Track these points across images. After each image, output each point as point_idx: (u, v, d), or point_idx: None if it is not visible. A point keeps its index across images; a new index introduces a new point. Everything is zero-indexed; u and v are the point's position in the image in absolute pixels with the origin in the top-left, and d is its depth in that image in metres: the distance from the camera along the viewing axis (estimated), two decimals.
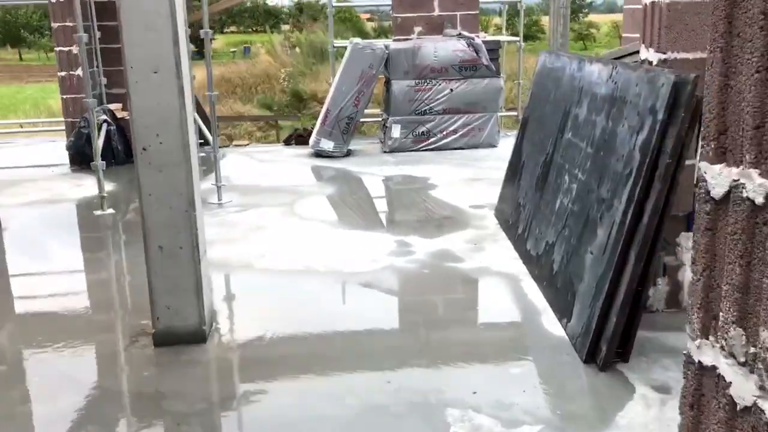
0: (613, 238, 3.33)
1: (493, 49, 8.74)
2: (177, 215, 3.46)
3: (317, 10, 50.03)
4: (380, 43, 8.59)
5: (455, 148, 8.65)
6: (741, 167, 1.24)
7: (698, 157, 1.39)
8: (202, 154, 8.37)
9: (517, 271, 4.53)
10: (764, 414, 1.19)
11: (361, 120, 9.06)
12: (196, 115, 8.51)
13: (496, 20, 28.91)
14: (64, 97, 8.18)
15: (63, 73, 8.07)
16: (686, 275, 3.81)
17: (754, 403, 1.22)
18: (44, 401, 3.19)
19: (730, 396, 1.27)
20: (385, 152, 8.66)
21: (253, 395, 3.16)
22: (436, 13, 9.05)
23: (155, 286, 3.54)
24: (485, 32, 12.03)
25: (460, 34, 8.83)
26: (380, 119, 9.53)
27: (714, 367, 1.33)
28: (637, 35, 6.04)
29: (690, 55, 3.54)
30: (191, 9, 9.84)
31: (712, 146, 1.31)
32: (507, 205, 5.44)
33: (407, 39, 8.96)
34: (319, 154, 8.47)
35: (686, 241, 3.78)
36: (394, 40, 9.06)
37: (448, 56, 8.55)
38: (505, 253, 4.86)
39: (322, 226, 5.65)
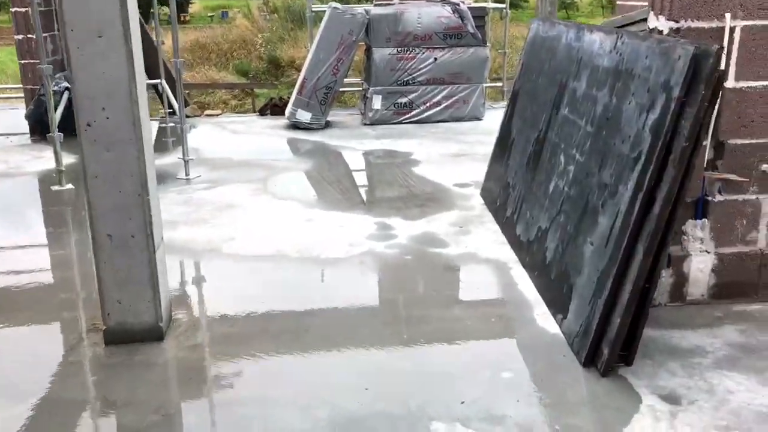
0: (618, 228, 2.99)
1: (479, 16, 8.32)
2: (128, 199, 3.05)
3: None
4: (361, 7, 8.12)
5: (439, 121, 8.26)
6: None
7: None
8: (172, 125, 7.94)
9: (505, 257, 4.19)
10: None
11: (341, 90, 8.62)
12: (164, 83, 8.03)
13: None
14: (22, 62, 7.63)
15: (20, 36, 7.52)
16: (692, 266, 3.49)
17: None
18: None
19: None
20: (365, 124, 8.25)
21: (216, 405, 2.80)
22: None
23: (104, 279, 3.15)
24: None
25: None
26: (360, 89, 9.09)
27: None
28: (635, 2, 5.67)
29: (706, 24, 3.18)
30: None
31: None
32: (494, 185, 5.08)
33: (389, 4, 8.49)
34: (295, 126, 8.04)
35: (693, 229, 3.46)
36: (375, 5, 8.59)
37: (432, 23, 8.11)
38: (492, 237, 4.52)
39: (297, 206, 5.26)
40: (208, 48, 18.17)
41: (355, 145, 7.31)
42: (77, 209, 5.42)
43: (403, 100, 8.21)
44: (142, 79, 3.03)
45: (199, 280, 4.03)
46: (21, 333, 3.43)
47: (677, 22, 3.17)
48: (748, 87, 3.30)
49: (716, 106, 2.77)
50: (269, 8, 25.27)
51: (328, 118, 8.20)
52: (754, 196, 3.43)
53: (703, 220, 3.45)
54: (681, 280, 3.50)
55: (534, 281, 3.81)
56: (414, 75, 8.16)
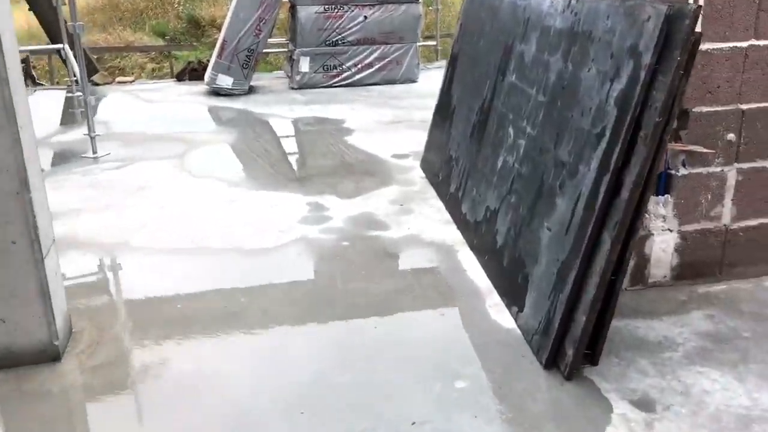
0: (580, 214, 2.66)
1: None
2: (4, 200, 2.52)
3: None
4: None
5: (371, 84, 7.80)
6: None
7: None
8: (79, 95, 7.21)
9: (452, 239, 3.84)
10: None
11: (264, 51, 8.03)
12: (67, 48, 7.26)
13: None
14: None
15: None
16: (654, 247, 3.21)
17: None
18: None
19: None
20: (292, 89, 7.72)
21: None
22: None
23: None
24: None
25: None
26: (286, 51, 8.51)
27: None
28: None
29: None
30: None
31: None
32: (436, 156, 4.70)
33: None
34: (216, 92, 7.44)
35: (656, 206, 3.17)
36: None
37: None
38: (436, 216, 4.16)
39: (219, 186, 4.76)
40: (122, 7, 16.98)
41: (282, 112, 6.80)
42: None
43: (333, 62, 7.70)
44: (13, 54, 2.47)
45: (104, 282, 3.51)
46: None
47: None
48: (714, 49, 2.99)
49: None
50: None
51: (252, 83, 7.63)
52: (719, 169, 3.16)
53: (666, 196, 3.17)
54: (643, 262, 3.23)
55: (484, 267, 3.47)
56: (343, 35, 7.64)
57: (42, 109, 7.18)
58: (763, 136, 3.15)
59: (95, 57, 10.28)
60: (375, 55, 7.78)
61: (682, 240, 3.22)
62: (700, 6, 2.33)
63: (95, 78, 8.13)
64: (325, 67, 7.71)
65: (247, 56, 7.33)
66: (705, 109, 3.06)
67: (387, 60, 7.83)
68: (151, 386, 2.63)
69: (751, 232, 3.28)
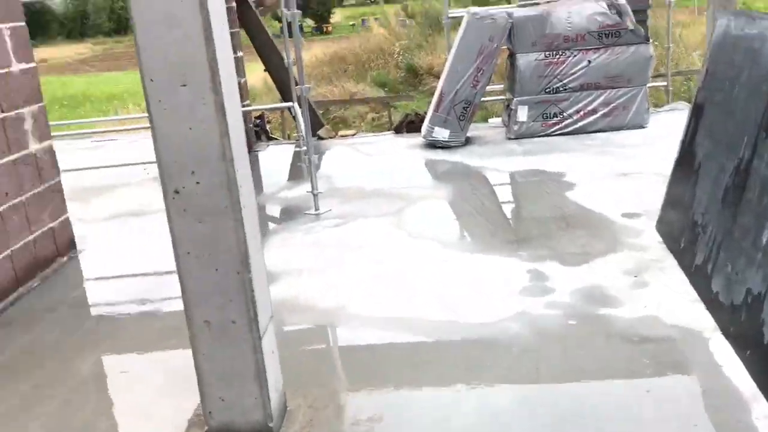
0: None
1: (641, 9, 7.25)
2: (226, 279, 2.52)
3: None
4: (501, 9, 7.33)
5: (594, 131, 7.29)
6: None
7: None
8: (305, 148, 7.57)
9: (699, 323, 3.28)
10: None
11: (481, 100, 7.88)
12: (296, 106, 7.66)
13: None
14: None
15: None
16: None
17: None
18: None
19: None
20: (509, 139, 7.45)
21: None
22: None
23: (204, 372, 2.64)
24: None
25: None
26: (503, 99, 8.29)
27: None
28: None
29: None
30: None
31: None
32: (676, 219, 4.14)
33: (534, 4, 7.64)
34: (433, 145, 7.40)
35: None
36: (519, 6, 7.77)
37: (584, 22, 7.16)
38: (678, 291, 3.61)
39: (434, 247, 4.59)
40: (347, 60, 18.04)
41: (498, 164, 6.55)
42: None
43: (553, 109, 7.32)
44: (239, 133, 2.48)
45: (320, 354, 3.45)
46: (110, 422, 3.02)
47: None
48: None
49: None
50: (406, 14, 24.94)
51: (468, 134, 7.48)
52: None
53: None
54: None
55: (746, 364, 2.88)
56: (565, 81, 7.25)
57: (273, 163, 7.66)
58: None
59: (321, 112, 10.86)
60: (599, 100, 7.27)
61: None
62: None
63: (320, 132, 8.51)
64: (545, 115, 7.35)
65: (464, 108, 7.22)
66: None
67: (612, 105, 7.29)
68: None
69: None
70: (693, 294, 3.53)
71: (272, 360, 2.74)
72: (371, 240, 4.82)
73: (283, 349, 2.91)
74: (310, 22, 43.38)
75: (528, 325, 3.44)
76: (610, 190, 5.43)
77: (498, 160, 6.70)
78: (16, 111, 4.50)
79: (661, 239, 4.29)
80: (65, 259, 4.90)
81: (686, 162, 4.18)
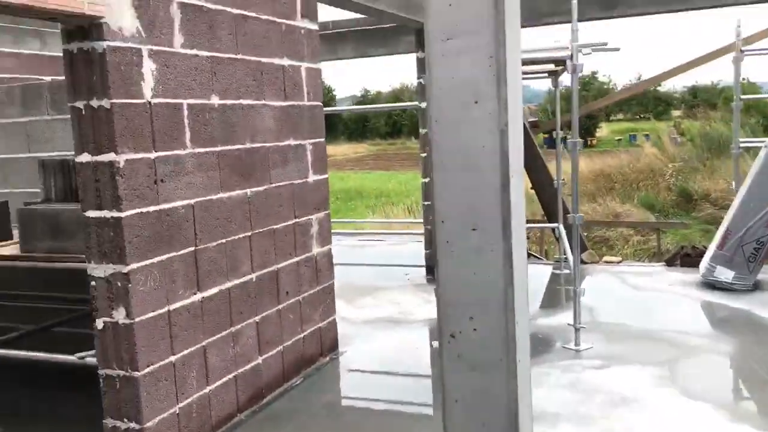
0: None
1: None
2: None
3: (714, 94, 45.87)
4: None
5: None
6: None
7: None
8: (567, 272, 7.29)
9: None
10: None
11: None
12: (561, 227, 7.46)
13: None
14: (425, 203, 7.86)
15: (426, 180, 7.77)
16: None
17: None
18: None
19: None
20: None
21: None
22: None
23: None
24: None
25: None
26: None
27: None
28: None
29: None
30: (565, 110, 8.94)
31: None
32: None
33: None
34: (712, 285, 6.65)
35: None
36: None
37: None
38: None
39: (715, 414, 3.98)
40: (613, 177, 17.46)
41: None
42: None
43: None
44: (522, 284, 2.36)
45: None
46: None
47: None
48: None
49: None
50: (679, 132, 23.74)
51: (758, 277, 6.61)
52: None
53: None
54: None
55: None
56: None
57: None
58: None
59: (584, 233, 10.49)
60: None
61: None
62: None
63: (583, 256, 8.15)
64: None
65: (755, 249, 6.43)
66: None
67: None
68: None
69: None
70: None
71: None
72: (638, 392, 4.33)
73: None
74: (578, 142, 43.17)
75: None
76: None
77: None
78: (306, 217, 4.90)
79: None
80: (327, 359, 5.11)
81: None
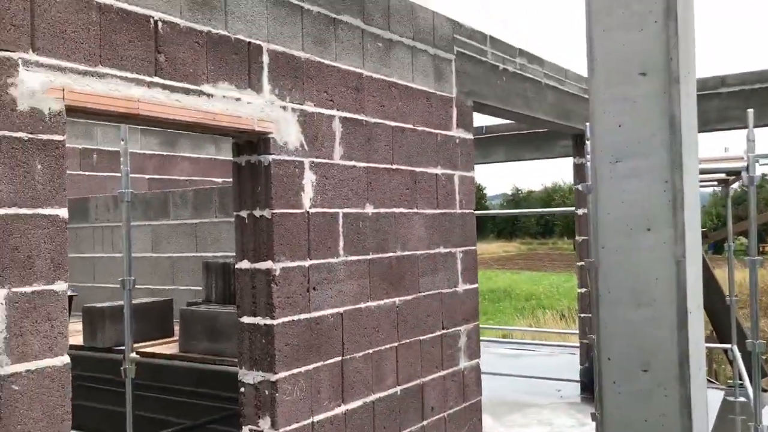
0: None
1: None
2: None
3: None
4: None
5: None
6: None
7: None
8: (740, 399, 6.52)
9: None
10: None
11: None
12: (735, 349, 6.74)
13: None
14: (581, 315, 7.42)
15: (582, 290, 7.37)
16: None
17: None
18: None
19: None
20: None
21: None
22: None
23: None
24: None
25: None
26: None
27: None
28: None
29: None
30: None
31: None
32: None
33: None
34: None
35: None
36: None
37: None
38: None
39: None
40: None
41: None
42: None
43: None
44: None
45: None
46: None
47: None
48: None
49: None
50: None
51: None
52: None
53: None
54: None
55: None
56: None
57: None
58: None
59: (765, 356, 9.42)
60: None
61: None
62: None
63: (764, 384, 7.26)
64: None
65: None
66: None
67: None
68: None
69: None
70: None
71: None
72: None
73: None
74: (744, 240, 40.10)
75: None
76: None
77: None
78: (455, 328, 4.74)
79: None
80: None
81: None
